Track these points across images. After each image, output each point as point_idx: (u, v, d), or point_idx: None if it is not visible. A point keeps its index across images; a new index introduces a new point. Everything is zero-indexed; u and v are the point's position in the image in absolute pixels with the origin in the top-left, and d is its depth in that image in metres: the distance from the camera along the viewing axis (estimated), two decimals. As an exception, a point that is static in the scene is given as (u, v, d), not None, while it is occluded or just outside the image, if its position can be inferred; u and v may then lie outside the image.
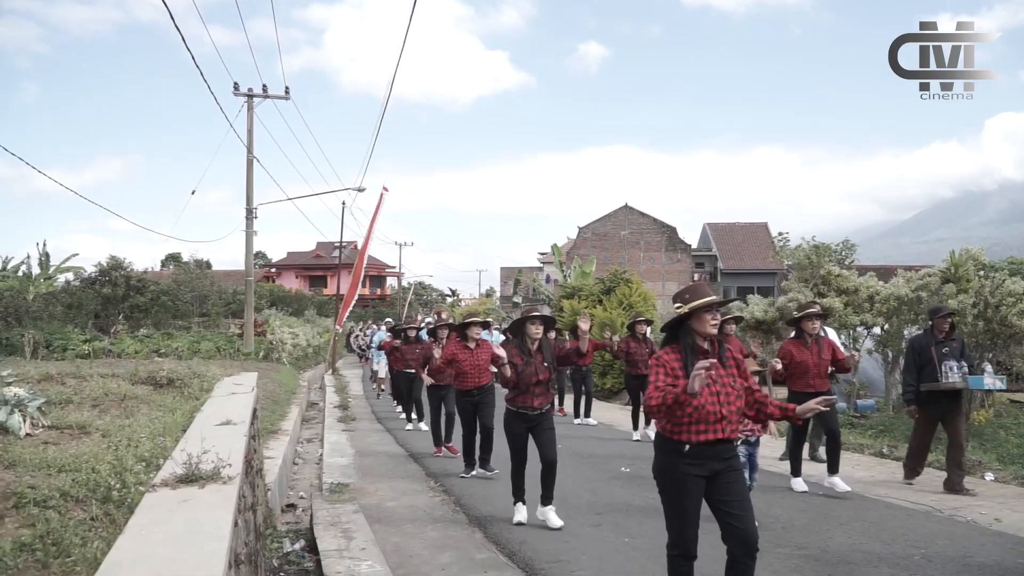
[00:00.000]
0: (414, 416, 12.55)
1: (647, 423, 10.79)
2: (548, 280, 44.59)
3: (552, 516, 6.10)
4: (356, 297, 24.77)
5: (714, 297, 3.79)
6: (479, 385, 8.13)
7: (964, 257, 14.47)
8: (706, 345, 3.85)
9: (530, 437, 6.26)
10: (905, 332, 14.42)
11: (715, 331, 3.82)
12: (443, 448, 9.76)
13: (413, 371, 11.89)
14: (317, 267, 63.19)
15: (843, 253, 16.34)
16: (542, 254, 51.37)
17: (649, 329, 11.70)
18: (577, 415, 13.23)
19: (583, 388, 13.23)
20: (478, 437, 8.29)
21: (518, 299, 26.72)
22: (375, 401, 16.76)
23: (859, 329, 15.03)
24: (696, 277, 47.16)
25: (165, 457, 4.05)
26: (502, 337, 21.21)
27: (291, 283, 60.95)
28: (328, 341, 28.70)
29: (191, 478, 3.20)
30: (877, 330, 14.63)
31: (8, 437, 4.46)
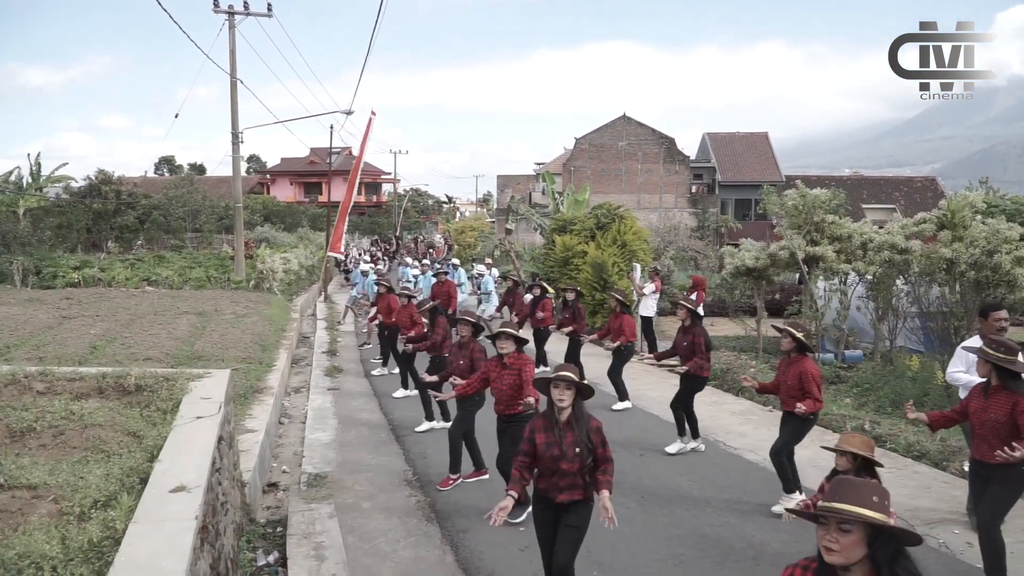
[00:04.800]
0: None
1: (695, 435, 8.79)
2: (544, 192, 44.05)
3: None
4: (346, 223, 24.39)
5: None
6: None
7: (961, 203, 14.12)
8: None
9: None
10: (897, 283, 14.27)
11: None
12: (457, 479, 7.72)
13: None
14: (312, 173, 62.44)
15: (837, 203, 15.96)
16: (539, 164, 50.66)
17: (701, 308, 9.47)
18: None
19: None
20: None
21: (511, 225, 26.37)
22: (363, 348, 16.41)
23: (851, 276, 14.86)
24: (694, 189, 46.59)
25: (114, 540, 3.97)
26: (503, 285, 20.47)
27: (286, 190, 60.41)
28: (321, 259, 28.54)
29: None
30: (868, 277, 14.44)
31: (-41, 504, 4.39)
